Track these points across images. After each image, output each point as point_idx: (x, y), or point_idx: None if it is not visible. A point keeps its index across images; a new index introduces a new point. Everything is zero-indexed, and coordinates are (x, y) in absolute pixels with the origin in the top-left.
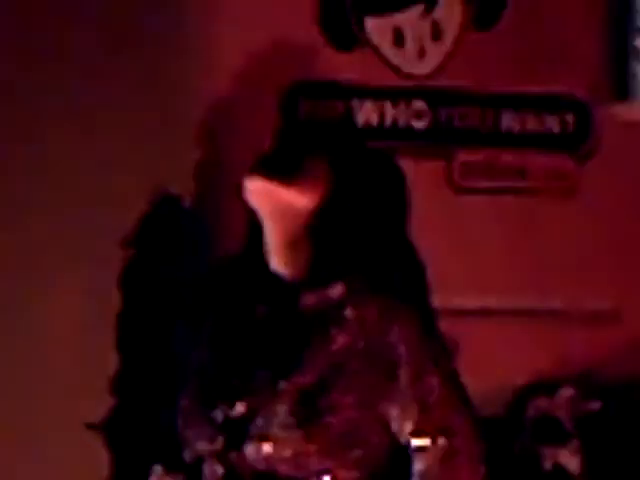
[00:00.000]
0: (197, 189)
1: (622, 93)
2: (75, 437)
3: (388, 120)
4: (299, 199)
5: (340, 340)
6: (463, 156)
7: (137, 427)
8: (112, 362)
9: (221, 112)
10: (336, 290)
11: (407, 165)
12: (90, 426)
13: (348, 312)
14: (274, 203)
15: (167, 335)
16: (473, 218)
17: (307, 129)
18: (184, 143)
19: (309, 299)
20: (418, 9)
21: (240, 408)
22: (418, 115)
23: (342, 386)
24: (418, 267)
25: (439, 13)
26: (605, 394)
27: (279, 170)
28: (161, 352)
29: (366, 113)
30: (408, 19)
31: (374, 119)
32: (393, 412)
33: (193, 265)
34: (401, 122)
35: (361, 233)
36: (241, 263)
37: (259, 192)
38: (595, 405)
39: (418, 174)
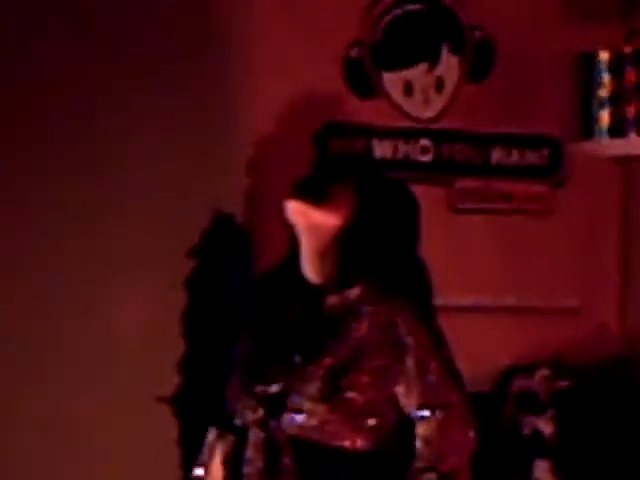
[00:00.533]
0: (245, 210)
1: (588, 133)
2: (152, 409)
3: (400, 154)
4: (328, 218)
5: (358, 331)
6: (460, 184)
7: (199, 400)
8: (179, 350)
9: (266, 147)
10: (354, 291)
11: (415, 190)
12: (162, 399)
13: (365, 309)
14: (308, 221)
15: (223, 329)
16: (468, 233)
17: (336, 162)
18: (236, 172)
19: (333, 300)
20: (424, 66)
21: (275, 388)
22: (424, 150)
23: (360, 368)
24: (424, 274)
25: (441, 69)
26: (573, 374)
27: (313, 194)
28: (218, 342)
29: (383, 149)
30: (416, 74)
31: (389, 154)
32: (401, 390)
33: (242, 271)
34: (411, 156)
35: (378, 247)
36: (281, 271)
37: (296, 211)
38: (565, 383)
39: (424, 198)
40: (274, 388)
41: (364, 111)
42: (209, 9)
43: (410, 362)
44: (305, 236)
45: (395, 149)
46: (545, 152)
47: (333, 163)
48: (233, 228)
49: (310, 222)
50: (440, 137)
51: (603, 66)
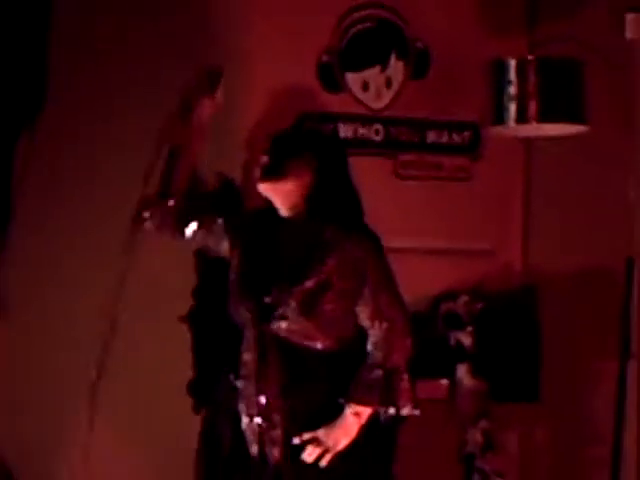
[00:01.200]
0: (242, 176)
1: (499, 120)
2: (173, 326)
3: (359, 135)
4: (292, 186)
5: (330, 263)
6: (403, 157)
7: (207, 318)
8: (192, 282)
9: (257, 129)
10: (327, 232)
11: (369, 162)
12: (181, 318)
13: (336, 247)
14: (278, 192)
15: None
16: (408, 194)
17: (287, 138)
18: (236, 148)
19: (311, 239)
20: (377, 69)
21: (268, 299)
22: (376, 132)
23: (330, 291)
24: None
25: (389, 71)
26: (487, 299)
27: (275, 173)
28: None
29: (346, 131)
30: (371, 74)
31: (350, 134)
32: (359, 308)
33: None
34: (366, 136)
35: (339, 200)
36: (264, 212)
37: (266, 189)
38: (480, 305)
39: (376, 168)
40: (267, 300)
41: (332, 102)
42: (212, 25)
43: (367, 289)
44: (278, 201)
45: (355, 131)
46: (466, 134)
47: (285, 140)
48: (234, 188)
49: (279, 193)
50: (388, 122)
51: (511, 70)
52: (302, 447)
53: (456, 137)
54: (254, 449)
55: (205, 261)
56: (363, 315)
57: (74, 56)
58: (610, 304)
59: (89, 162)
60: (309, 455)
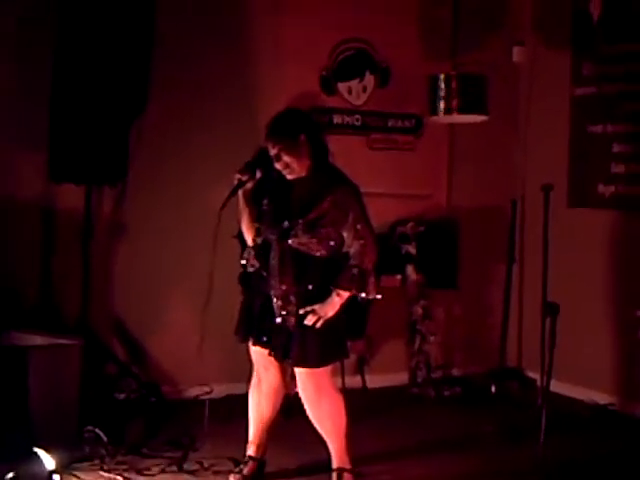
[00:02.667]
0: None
1: (434, 112)
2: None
3: (346, 122)
4: (298, 160)
5: (325, 203)
6: (373, 136)
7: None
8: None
9: None
10: (324, 184)
11: (353, 139)
12: (235, 236)
13: (328, 193)
14: (290, 171)
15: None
16: (377, 160)
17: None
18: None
19: (313, 189)
20: (357, 80)
21: (286, 224)
22: (357, 120)
23: (325, 220)
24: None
25: (365, 82)
26: (424, 224)
27: (283, 159)
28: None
29: (337, 119)
30: (353, 84)
31: (340, 121)
32: (344, 233)
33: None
34: (350, 122)
35: (326, 164)
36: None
37: (283, 168)
38: (421, 228)
39: (357, 142)
40: (285, 225)
41: (329, 101)
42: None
43: (350, 219)
44: (291, 176)
45: (343, 119)
46: (413, 121)
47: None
48: (267, 155)
49: (292, 171)
50: (364, 114)
51: (441, 81)
52: (304, 316)
53: (406, 123)
54: (278, 319)
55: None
56: (346, 235)
57: (169, 69)
58: (502, 228)
59: (182, 139)
60: (309, 321)
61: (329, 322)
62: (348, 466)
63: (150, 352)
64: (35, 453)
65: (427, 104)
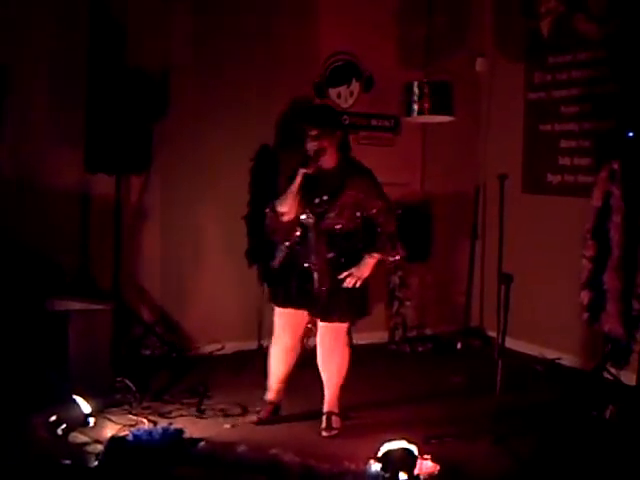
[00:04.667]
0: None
1: (409, 113)
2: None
3: None
4: (330, 146)
5: (350, 189)
6: (361, 134)
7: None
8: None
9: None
10: (349, 173)
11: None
12: (242, 217)
13: (353, 179)
14: (325, 153)
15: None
16: (365, 152)
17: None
18: (269, 128)
19: (342, 176)
20: (345, 86)
21: (321, 209)
22: (345, 119)
23: (351, 202)
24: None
25: (352, 87)
26: (403, 207)
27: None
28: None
29: None
30: (342, 89)
31: None
32: (373, 210)
33: (272, 171)
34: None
35: (349, 155)
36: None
37: (311, 138)
38: (399, 211)
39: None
40: (321, 209)
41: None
42: None
43: (374, 197)
44: (326, 156)
45: None
46: (392, 121)
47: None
48: (270, 153)
49: (325, 148)
50: (352, 115)
51: (415, 87)
52: (340, 280)
53: (387, 123)
54: (316, 284)
55: (255, 186)
56: (374, 211)
57: (183, 82)
58: (467, 210)
59: (197, 138)
60: (348, 283)
61: (359, 286)
62: (337, 410)
63: (171, 315)
64: (74, 400)
65: (403, 106)
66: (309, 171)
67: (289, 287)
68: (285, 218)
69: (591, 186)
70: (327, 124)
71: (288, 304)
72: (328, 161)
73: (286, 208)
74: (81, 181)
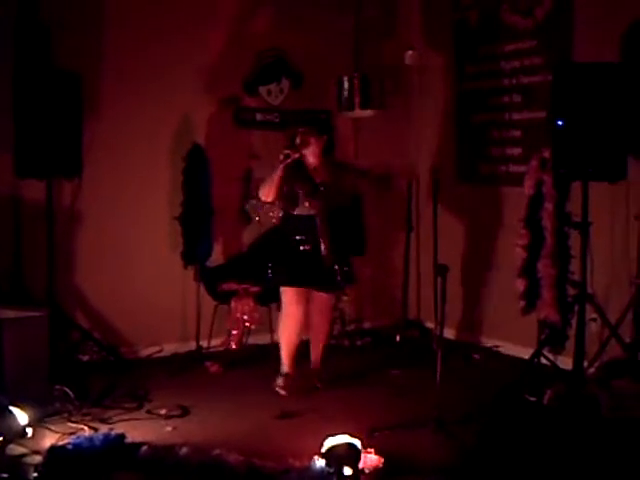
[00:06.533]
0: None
1: (340, 108)
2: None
3: (267, 118)
4: (319, 149)
5: (337, 179)
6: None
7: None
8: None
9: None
10: (334, 167)
11: (273, 134)
12: (175, 217)
13: (338, 173)
14: (311, 150)
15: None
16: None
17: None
18: (201, 127)
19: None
20: (275, 83)
21: (320, 193)
22: (276, 117)
23: (339, 188)
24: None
25: (282, 84)
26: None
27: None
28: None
29: (260, 116)
30: (272, 86)
31: (261, 118)
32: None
33: (204, 170)
34: (270, 120)
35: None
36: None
37: (315, 144)
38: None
39: (275, 137)
40: (320, 195)
41: (251, 102)
42: None
43: (351, 177)
44: (310, 158)
45: (264, 117)
46: (323, 116)
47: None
48: (201, 151)
49: (312, 149)
50: (281, 112)
51: (345, 82)
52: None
53: (318, 118)
54: (324, 250)
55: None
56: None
57: (113, 83)
58: (401, 203)
59: (129, 140)
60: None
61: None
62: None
63: (108, 319)
64: (11, 411)
65: (335, 101)
66: (292, 153)
67: (291, 269)
68: (270, 199)
69: (523, 175)
70: (319, 132)
71: (295, 284)
72: (314, 160)
73: (267, 190)
74: (12, 186)
